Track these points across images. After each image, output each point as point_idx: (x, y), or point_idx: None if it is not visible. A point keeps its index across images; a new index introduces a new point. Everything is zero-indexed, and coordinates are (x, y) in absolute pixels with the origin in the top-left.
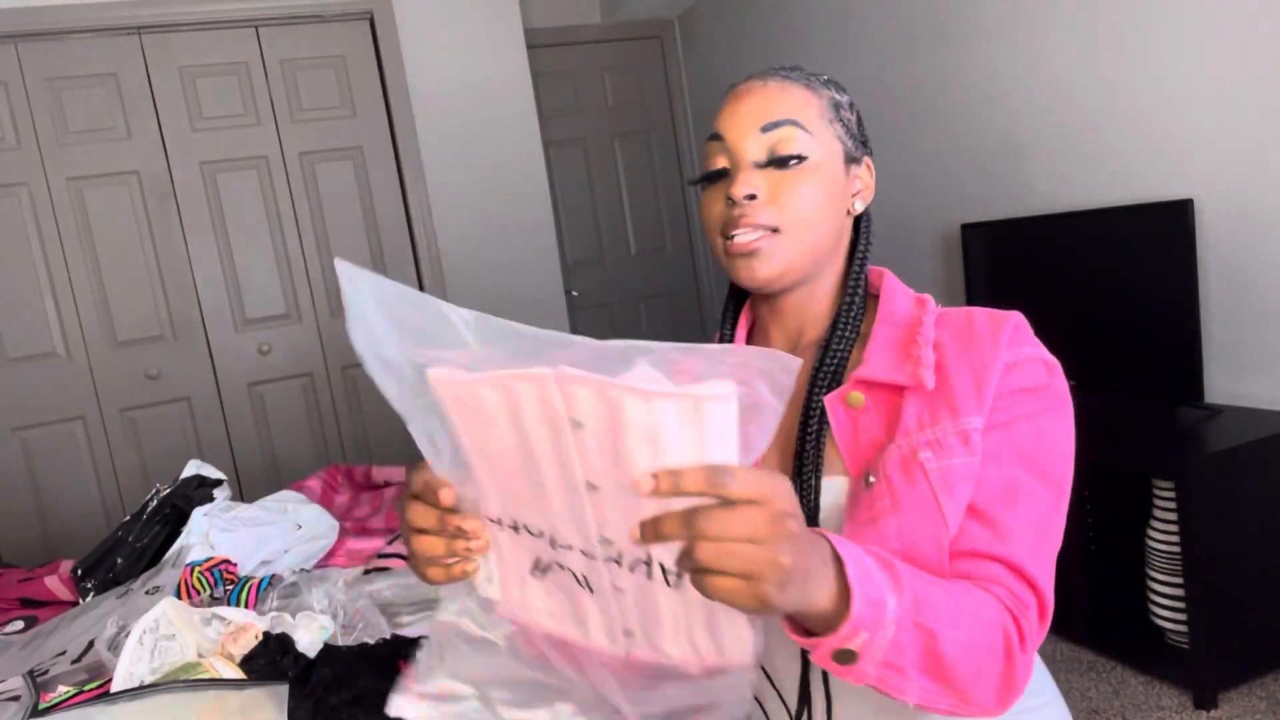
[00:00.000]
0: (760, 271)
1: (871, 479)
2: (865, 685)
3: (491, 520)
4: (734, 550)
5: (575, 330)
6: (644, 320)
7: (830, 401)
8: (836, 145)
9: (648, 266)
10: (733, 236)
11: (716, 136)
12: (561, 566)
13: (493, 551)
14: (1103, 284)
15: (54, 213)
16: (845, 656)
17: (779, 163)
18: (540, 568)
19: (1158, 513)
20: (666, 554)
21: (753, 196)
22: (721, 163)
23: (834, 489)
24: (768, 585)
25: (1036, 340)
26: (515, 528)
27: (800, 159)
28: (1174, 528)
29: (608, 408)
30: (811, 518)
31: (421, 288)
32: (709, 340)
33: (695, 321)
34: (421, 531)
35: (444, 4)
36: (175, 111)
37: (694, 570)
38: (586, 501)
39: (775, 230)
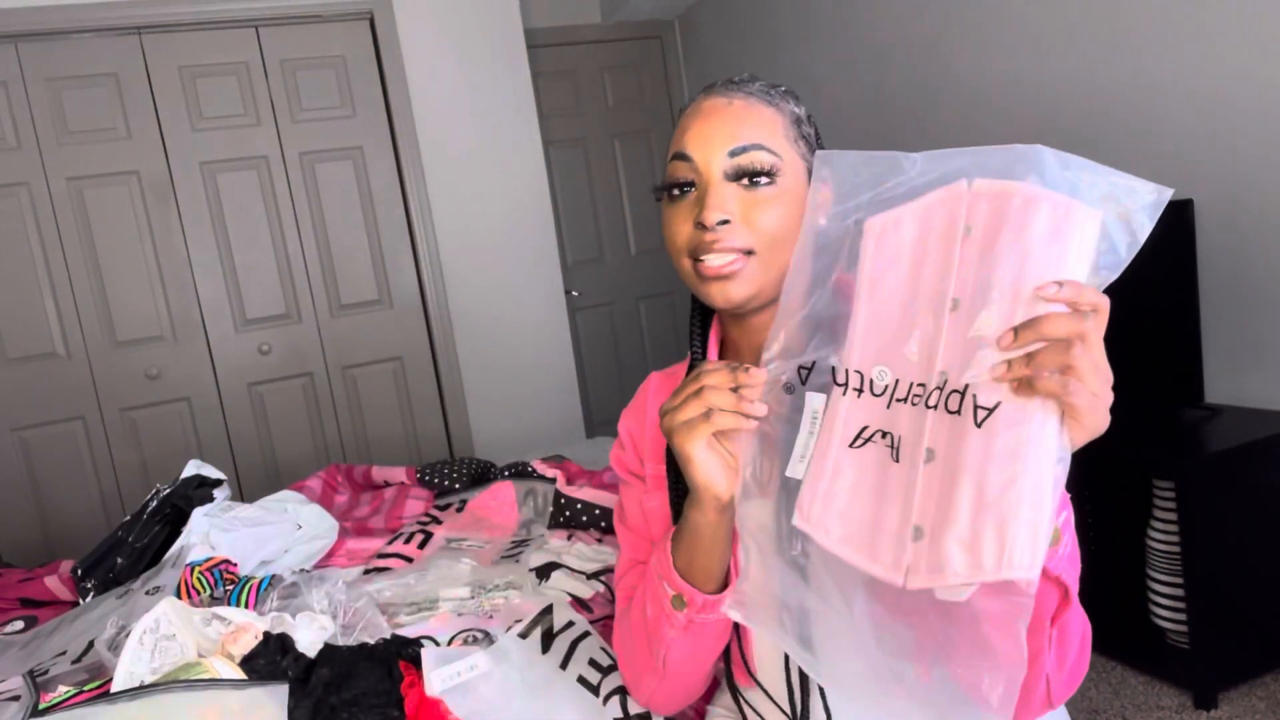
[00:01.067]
0: (735, 294)
1: None
2: (1047, 579)
3: (838, 384)
4: (1102, 363)
5: (575, 330)
6: (644, 320)
7: None
8: (800, 164)
9: (648, 266)
10: (703, 259)
11: (682, 156)
12: (884, 436)
13: (826, 420)
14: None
15: (54, 213)
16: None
17: (750, 185)
18: (863, 438)
19: (1158, 513)
20: (987, 391)
21: (726, 221)
22: (688, 176)
23: None
24: (1106, 406)
25: None
26: (860, 389)
27: (770, 178)
28: (1174, 528)
29: (997, 208)
30: None
31: (421, 287)
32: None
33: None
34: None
35: (444, 4)
36: (175, 111)
37: (1048, 382)
38: (945, 324)
39: (749, 253)
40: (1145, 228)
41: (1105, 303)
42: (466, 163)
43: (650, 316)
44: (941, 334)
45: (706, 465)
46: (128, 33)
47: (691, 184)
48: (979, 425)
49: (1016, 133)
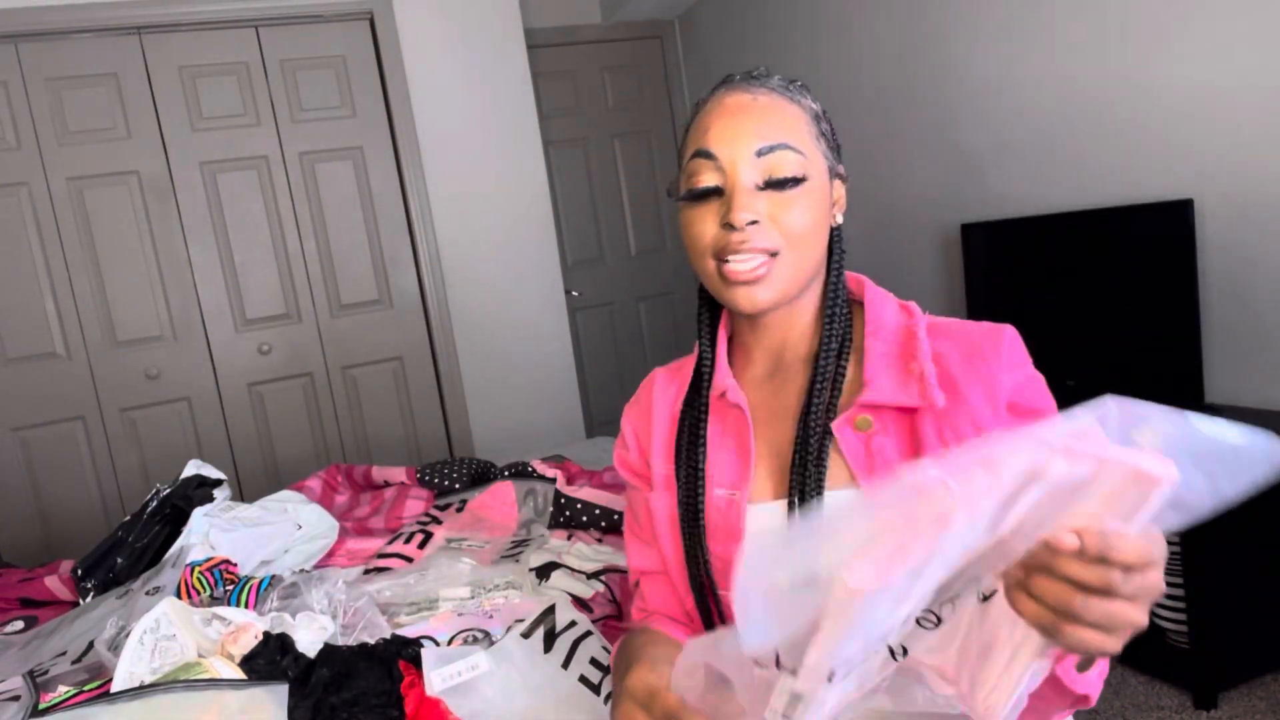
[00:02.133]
0: (762, 299)
1: None
2: (1079, 690)
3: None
4: (1132, 618)
5: (575, 330)
6: (644, 320)
7: (839, 427)
8: (823, 162)
9: (648, 266)
10: (729, 261)
11: (706, 154)
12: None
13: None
14: (1103, 284)
15: (54, 213)
16: (1087, 663)
17: (777, 185)
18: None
19: None
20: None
21: (755, 222)
22: (712, 180)
23: (840, 501)
24: (1123, 636)
25: (1029, 357)
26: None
27: (798, 181)
28: None
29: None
30: None
31: (421, 287)
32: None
33: (694, 322)
34: None
35: (444, 4)
36: (175, 111)
37: (1056, 622)
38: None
39: (774, 254)
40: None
41: (1152, 552)
42: (466, 163)
43: (650, 316)
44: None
45: None
46: (128, 33)
47: (717, 188)
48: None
49: (1017, 132)
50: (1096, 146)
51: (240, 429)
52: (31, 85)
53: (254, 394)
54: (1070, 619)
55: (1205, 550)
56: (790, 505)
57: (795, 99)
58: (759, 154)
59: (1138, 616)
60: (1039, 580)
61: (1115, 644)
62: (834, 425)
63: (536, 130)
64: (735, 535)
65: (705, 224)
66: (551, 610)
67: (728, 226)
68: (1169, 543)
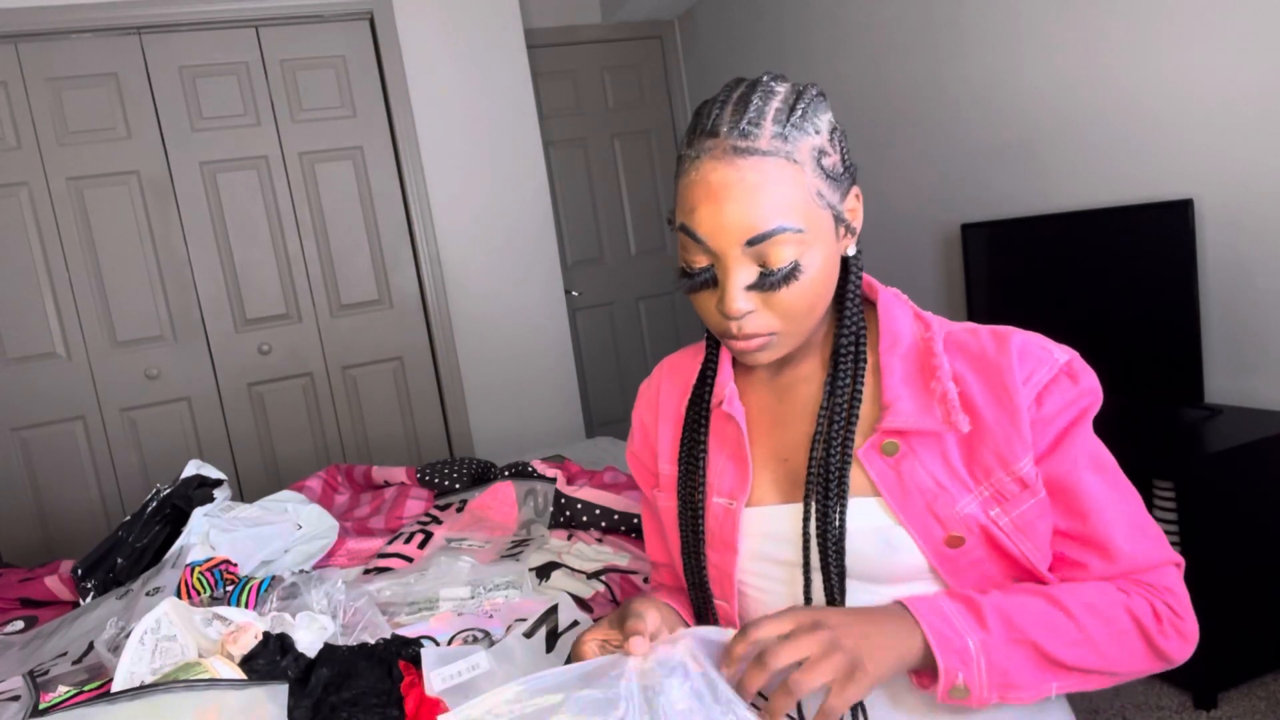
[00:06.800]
0: (763, 360)
1: (959, 537)
2: (1005, 704)
3: None
4: (814, 670)
5: (575, 330)
6: (644, 320)
7: (865, 454)
8: (826, 215)
9: (648, 266)
10: (728, 339)
11: (693, 237)
12: None
13: None
14: (1103, 284)
15: (54, 213)
16: (958, 693)
17: (771, 281)
18: None
19: (1158, 513)
20: None
21: (750, 310)
22: (703, 262)
23: (863, 510)
24: (854, 677)
25: (1043, 346)
26: None
27: (793, 273)
28: (1174, 528)
29: None
30: (838, 541)
31: (421, 288)
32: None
33: (695, 322)
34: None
35: (444, 4)
36: (175, 111)
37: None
38: None
39: (774, 333)
40: None
41: (775, 627)
42: (466, 163)
43: (650, 316)
44: None
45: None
46: (128, 33)
47: (708, 269)
48: None
49: (1017, 132)
50: (1096, 146)
51: (240, 429)
52: (31, 85)
53: (254, 394)
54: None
55: (1205, 551)
56: (806, 515)
57: (790, 150)
58: (749, 244)
59: (840, 659)
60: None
61: (854, 683)
62: (859, 453)
63: (536, 130)
64: (730, 544)
65: (706, 306)
66: (554, 610)
67: (723, 314)
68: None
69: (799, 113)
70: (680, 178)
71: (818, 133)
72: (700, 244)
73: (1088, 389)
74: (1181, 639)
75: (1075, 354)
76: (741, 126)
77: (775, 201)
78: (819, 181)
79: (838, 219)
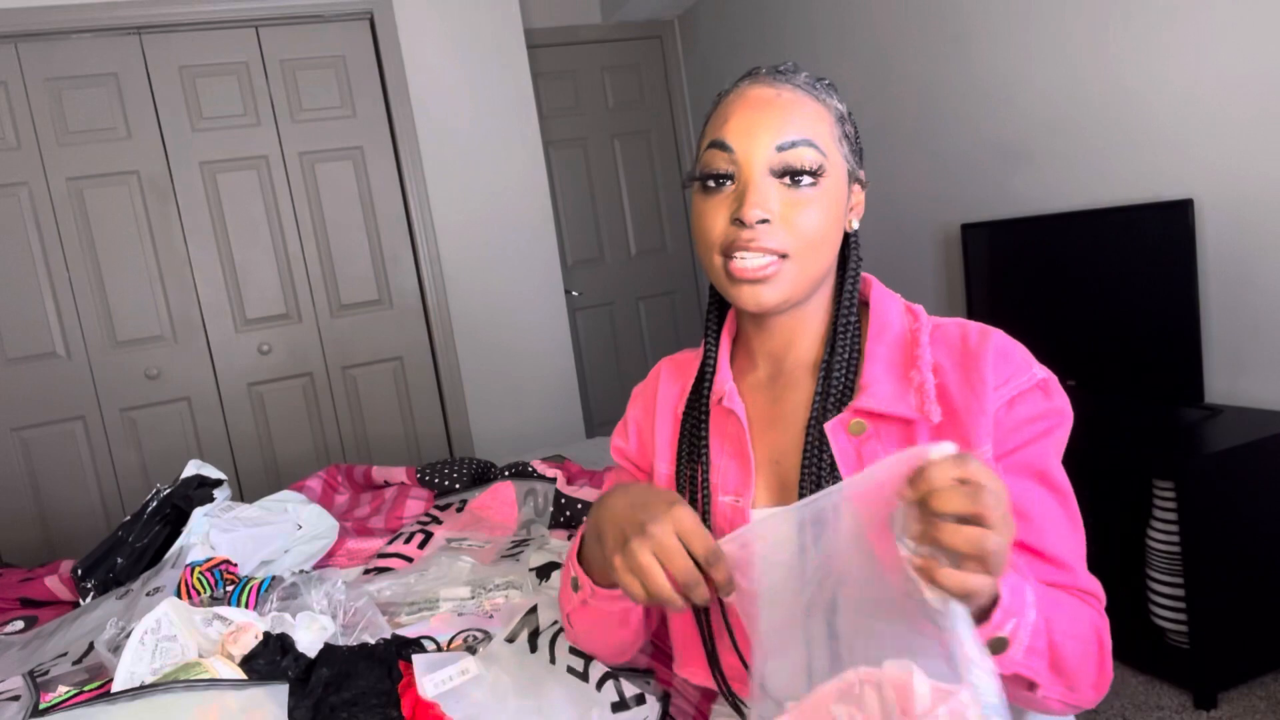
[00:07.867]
0: (767, 299)
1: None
2: (1009, 674)
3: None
4: (979, 535)
5: (575, 330)
6: (644, 320)
7: (831, 429)
8: (843, 164)
9: (648, 266)
10: (735, 258)
11: (722, 145)
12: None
13: None
14: (1103, 284)
15: (54, 213)
16: (998, 645)
17: (794, 176)
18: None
19: (1158, 513)
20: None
21: (766, 220)
22: (726, 169)
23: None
24: (994, 565)
25: (1025, 357)
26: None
27: (815, 177)
28: (1174, 528)
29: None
30: None
31: (421, 288)
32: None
33: (695, 321)
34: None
35: (444, 4)
36: (175, 111)
37: (929, 565)
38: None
39: (784, 255)
40: None
41: (994, 475)
42: (466, 163)
43: (650, 316)
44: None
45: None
46: (128, 33)
47: (730, 176)
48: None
49: (1017, 132)
50: (1096, 146)
51: (240, 429)
52: (31, 85)
53: (254, 394)
54: (943, 555)
55: (1205, 550)
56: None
57: (821, 98)
58: (779, 149)
59: (999, 542)
60: (912, 529)
61: (985, 580)
62: (826, 427)
63: (536, 130)
64: None
65: (716, 216)
66: (534, 611)
67: (737, 222)
68: (1169, 543)
69: (825, 82)
70: (712, 115)
71: (840, 103)
72: (729, 153)
73: (1059, 408)
74: (1104, 677)
75: (1053, 375)
76: (780, 69)
77: (806, 121)
78: (842, 139)
79: (851, 178)
